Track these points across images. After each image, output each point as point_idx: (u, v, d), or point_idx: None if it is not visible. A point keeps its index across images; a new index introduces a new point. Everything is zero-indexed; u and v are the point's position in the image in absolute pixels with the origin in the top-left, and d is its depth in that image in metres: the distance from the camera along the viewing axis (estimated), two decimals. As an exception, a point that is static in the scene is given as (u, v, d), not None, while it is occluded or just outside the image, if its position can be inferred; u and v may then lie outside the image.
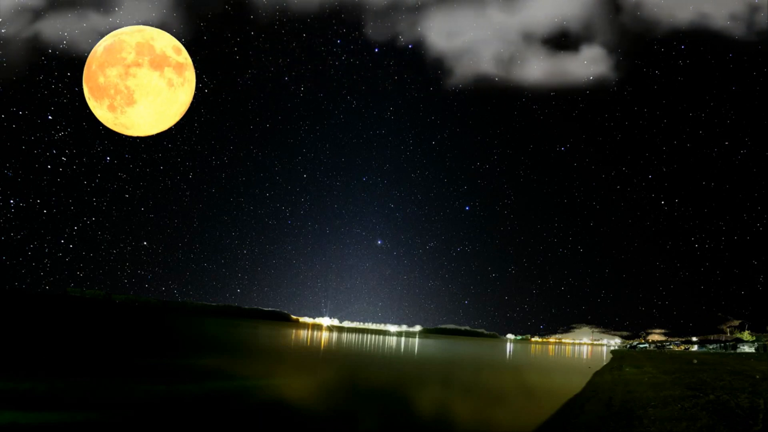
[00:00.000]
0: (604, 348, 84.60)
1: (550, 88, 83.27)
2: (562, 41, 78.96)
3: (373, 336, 63.34)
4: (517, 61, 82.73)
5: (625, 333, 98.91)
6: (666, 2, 71.61)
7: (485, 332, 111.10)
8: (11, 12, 66.74)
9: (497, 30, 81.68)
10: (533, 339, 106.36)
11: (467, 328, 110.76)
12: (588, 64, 79.64)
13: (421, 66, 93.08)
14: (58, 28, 69.51)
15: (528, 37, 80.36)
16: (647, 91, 77.88)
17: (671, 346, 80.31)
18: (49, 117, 66.79)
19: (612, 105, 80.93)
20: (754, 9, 67.15)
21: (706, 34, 70.55)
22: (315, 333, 55.54)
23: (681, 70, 74.23)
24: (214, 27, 78.34)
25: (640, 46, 75.49)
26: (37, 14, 68.35)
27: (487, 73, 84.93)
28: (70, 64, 70.19)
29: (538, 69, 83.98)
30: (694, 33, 71.68)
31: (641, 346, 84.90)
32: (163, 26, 75.52)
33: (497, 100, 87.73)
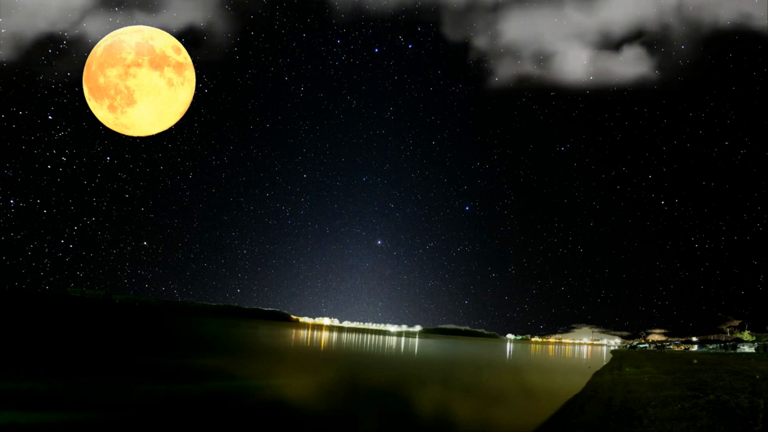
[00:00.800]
0: (604, 348, 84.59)
1: (592, 86, 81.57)
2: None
3: (373, 336, 63.34)
4: (558, 60, 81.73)
5: (625, 333, 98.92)
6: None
7: (485, 332, 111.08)
8: (58, 11, 67.16)
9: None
10: (533, 339, 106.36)
11: (467, 328, 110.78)
12: (631, 64, 78.42)
13: (463, 65, 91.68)
14: (106, 28, 70.36)
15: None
16: (688, 90, 76.70)
17: (671, 346, 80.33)
18: (49, 117, 66.83)
19: (654, 105, 79.32)
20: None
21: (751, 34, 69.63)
22: (315, 333, 55.54)
23: (731, 71, 73.06)
24: (262, 26, 78.81)
25: (687, 45, 74.75)
26: (84, 13, 68.88)
27: (529, 73, 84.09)
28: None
29: (582, 67, 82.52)
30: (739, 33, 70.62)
31: (641, 346, 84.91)
32: (210, 26, 76.36)
33: (536, 99, 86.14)
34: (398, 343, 42.20)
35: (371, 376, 14.19)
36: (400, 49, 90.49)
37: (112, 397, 7.53)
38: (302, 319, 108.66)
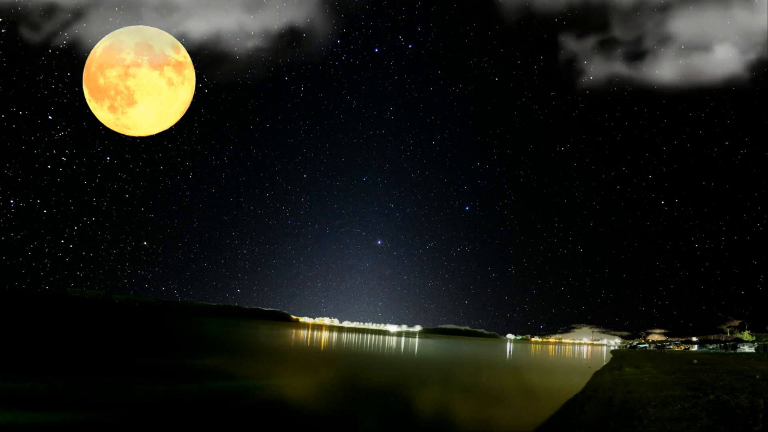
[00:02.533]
0: (604, 348, 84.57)
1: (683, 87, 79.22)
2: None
3: (373, 336, 63.33)
4: (649, 61, 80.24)
5: (625, 333, 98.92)
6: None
7: (485, 332, 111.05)
8: (155, 10, 67.83)
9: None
10: (533, 339, 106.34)
11: (467, 328, 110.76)
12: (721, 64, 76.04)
13: (553, 66, 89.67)
14: (205, 27, 71.19)
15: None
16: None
17: (671, 346, 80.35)
18: (49, 117, 66.83)
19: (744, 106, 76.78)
20: None
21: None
22: (315, 333, 55.53)
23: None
24: (360, 24, 78.90)
25: None
26: (183, 13, 69.64)
27: (620, 73, 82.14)
28: (217, 61, 74.62)
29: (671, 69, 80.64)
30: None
31: (641, 346, 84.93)
32: (310, 24, 76.87)
33: (629, 100, 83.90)
34: (398, 343, 42.19)
35: (371, 376, 14.19)
36: (400, 49, 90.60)
37: (112, 397, 7.53)
38: (302, 319, 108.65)
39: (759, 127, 72.58)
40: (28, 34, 65.63)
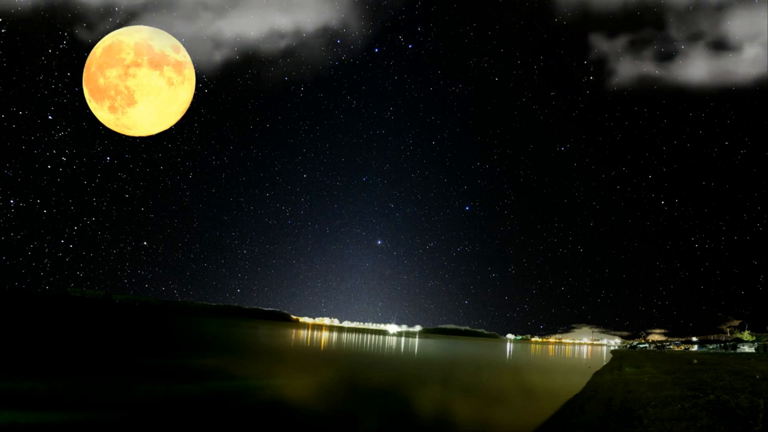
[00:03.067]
0: (604, 348, 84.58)
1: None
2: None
3: (373, 336, 63.32)
4: (678, 62, 79.22)
5: (625, 333, 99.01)
6: None
7: (485, 332, 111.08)
8: (192, 10, 68.04)
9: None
10: (533, 339, 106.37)
11: (467, 328, 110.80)
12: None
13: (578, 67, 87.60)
14: (240, 28, 72.13)
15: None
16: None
17: (671, 346, 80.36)
18: (49, 117, 66.82)
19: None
20: None
21: None
22: (315, 333, 55.52)
23: None
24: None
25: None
26: (218, 13, 69.74)
27: (649, 74, 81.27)
28: (257, 63, 76.42)
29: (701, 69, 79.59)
30: None
31: (641, 346, 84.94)
32: (344, 26, 76.96)
33: (659, 101, 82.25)
34: (398, 343, 42.19)
35: (371, 376, 14.19)
36: (400, 49, 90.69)
37: (112, 397, 7.53)
38: (302, 319, 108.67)
39: (760, 128, 72.61)
40: (84, 34, 65.90)
